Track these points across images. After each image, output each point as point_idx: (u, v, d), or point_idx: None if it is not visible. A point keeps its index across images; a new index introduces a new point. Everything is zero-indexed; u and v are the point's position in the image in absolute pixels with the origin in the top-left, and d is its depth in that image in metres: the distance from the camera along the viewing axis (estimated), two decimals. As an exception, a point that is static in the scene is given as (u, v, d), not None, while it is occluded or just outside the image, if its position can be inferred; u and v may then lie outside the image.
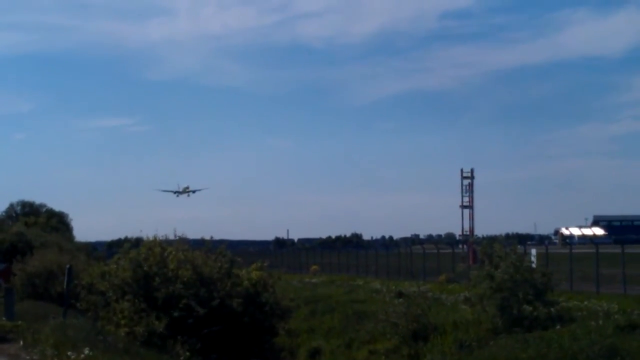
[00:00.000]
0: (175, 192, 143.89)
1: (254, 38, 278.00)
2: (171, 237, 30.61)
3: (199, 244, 31.92)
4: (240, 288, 28.48)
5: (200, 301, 26.54)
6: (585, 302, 32.08)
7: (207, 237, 33.00)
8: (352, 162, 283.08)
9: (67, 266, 27.12)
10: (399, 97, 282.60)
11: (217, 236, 39.53)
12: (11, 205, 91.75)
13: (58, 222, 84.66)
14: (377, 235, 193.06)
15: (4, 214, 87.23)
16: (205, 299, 26.75)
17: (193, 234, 33.55)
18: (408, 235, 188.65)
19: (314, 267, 71.56)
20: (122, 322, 25.83)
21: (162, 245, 28.93)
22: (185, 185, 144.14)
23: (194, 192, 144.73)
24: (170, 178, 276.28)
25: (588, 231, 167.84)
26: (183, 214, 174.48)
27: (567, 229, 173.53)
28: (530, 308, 28.68)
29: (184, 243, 30.08)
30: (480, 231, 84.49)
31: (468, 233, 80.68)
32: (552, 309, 28.99)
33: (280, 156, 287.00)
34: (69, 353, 16.80)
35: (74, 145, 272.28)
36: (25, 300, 33.28)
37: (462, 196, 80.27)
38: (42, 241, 52.10)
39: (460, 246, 77.33)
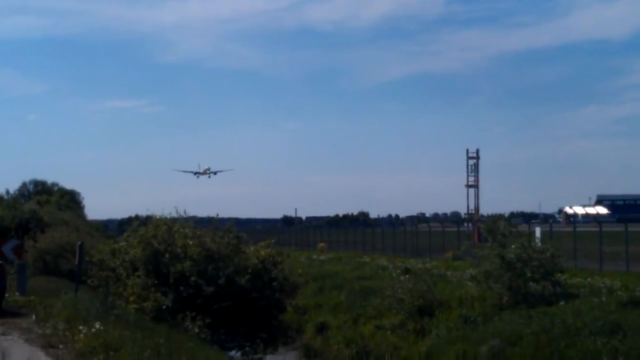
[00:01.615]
0: (195, 173, 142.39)
1: (264, 22, 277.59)
2: (178, 215, 30.61)
3: (207, 222, 31.97)
4: (249, 263, 28.51)
5: (208, 278, 26.58)
6: (589, 279, 32.14)
7: (218, 216, 32.99)
8: (360, 143, 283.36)
9: (79, 243, 27.10)
10: (406, 79, 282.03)
11: (226, 215, 39.68)
12: (24, 184, 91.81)
13: (70, 201, 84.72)
14: (383, 213, 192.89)
15: (17, 192, 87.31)
16: (213, 276, 26.79)
17: (202, 213, 33.68)
18: (414, 213, 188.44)
19: (322, 244, 71.60)
20: (132, 298, 25.94)
21: (169, 223, 28.98)
22: (206, 167, 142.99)
23: (215, 173, 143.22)
24: (181, 158, 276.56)
25: (592, 210, 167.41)
26: (194, 193, 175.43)
27: (571, 207, 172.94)
28: (538, 287, 28.69)
29: (189, 221, 30.15)
30: (486, 210, 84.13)
31: (473, 212, 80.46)
32: (558, 288, 29.03)
33: (290, 137, 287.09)
34: (80, 327, 16.87)
35: (86, 126, 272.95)
36: (37, 276, 33.38)
37: (468, 176, 79.82)
38: (54, 219, 52.17)
39: (466, 224, 77.13)
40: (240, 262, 28.34)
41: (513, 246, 30.21)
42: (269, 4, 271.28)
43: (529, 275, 29.03)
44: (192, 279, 26.28)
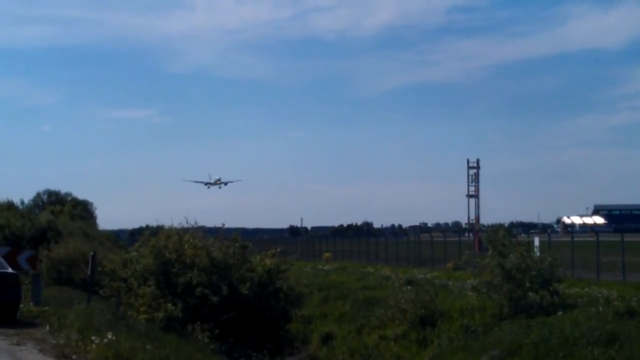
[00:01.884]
0: (206, 184, 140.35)
1: (269, 31, 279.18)
2: (187, 225, 30.55)
3: (215, 232, 31.92)
4: (254, 274, 28.44)
5: (214, 288, 26.53)
6: (586, 289, 32.04)
7: (224, 226, 32.91)
8: (364, 152, 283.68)
9: (92, 253, 27.11)
10: (407, 89, 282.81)
11: (234, 225, 39.60)
12: (38, 194, 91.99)
13: (82, 211, 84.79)
14: (387, 223, 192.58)
15: (31, 202, 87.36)
16: (219, 286, 26.74)
17: (211, 222, 33.67)
18: (416, 223, 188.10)
19: (327, 254, 71.46)
20: (142, 308, 25.91)
21: (179, 233, 28.95)
22: (217, 177, 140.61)
23: (225, 184, 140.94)
24: (190, 167, 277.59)
25: (589, 220, 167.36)
26: (203, 203, 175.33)
27: (568, 217, 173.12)
28: (537, 296, 28.68)
29: (198, 231, 30.10)
30: (486, 220, 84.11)
31: (474, 221, 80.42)
32: (556, 298, 29.00)
33: (295, 146, 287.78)
34: (92, 337, 16.89)
35: (98, 135, 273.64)
36: (51, 286, 33.38)
37: (468, 186, 79.79)
38: (69, 229, 52.20)
39: (467, 234, 76.99)
40: (245, 272, 28.29)
41: (512, 255, 30.17)
42: (274, 14, 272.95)
43: (528, 285, 28.99)
44: (198, 289, 26.24)
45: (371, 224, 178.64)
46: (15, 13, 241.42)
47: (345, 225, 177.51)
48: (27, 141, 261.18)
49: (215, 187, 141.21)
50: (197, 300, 26.12)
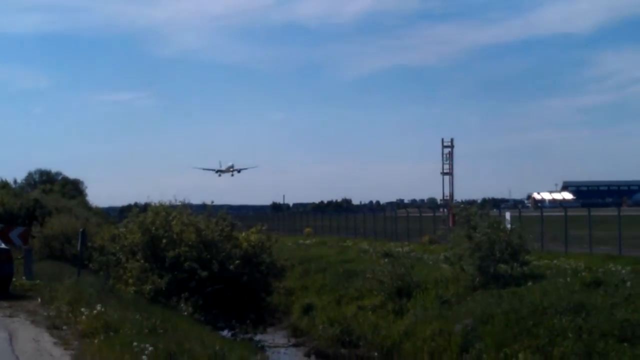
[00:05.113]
0: (217, 171, 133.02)
1: (253, 18, 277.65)
2: (175, 202, 30.43)
3: (201, 209, 31.83)
4: (240, 249, 28.41)
5: (202, 263, 26.51)
6: (555, 261, 32.21)
7: (209, 203, 32.77)
8: (343, 133, 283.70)
9: (81, 229, 27.09)
10: (385, 72, 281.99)
11: (219, 201, 39.49)
12: (30, 174, 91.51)
13: (72, 189, 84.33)
14: (365, 200, 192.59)
15: (23, 181, 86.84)
16: (207, 261, 26.72)
17: (196, 199, 33.52)
18: (393, 199, 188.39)
19: (308, 229, 71.52)
20: (131, 281, 25.91)
21: (167, 210, 28.87)
22: (230, 164, 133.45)
23: (238, 171, 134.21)
24: (179, 147, 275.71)
25: (558, 196, 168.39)
26: (187, 181, 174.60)
27: (538, 193, 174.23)
28: (507, 267, 28.81)
29: (186, 208, 30.03)
30: (460, 196, 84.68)
31: (448, 198, 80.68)
32: (525, 268, 29.14)
33: (277, 127, 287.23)
34: (82, 309, 16.92)
35: (88, 117, 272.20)
36: (42, 260, 33.24)
37: (443, 164, 79.98)
38: (58, 206, 51.88)
39: (441, 210, 77.29)
40: (232, 248, 28.25)
41: (480, 227, 30.18)
42: (258, 1, 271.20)
43: (498, 255, 29.10)
44: (187, 263, 26.21)
45: (350, 200, 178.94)
46: (7, 2, 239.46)
47: (325, 201, 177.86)
48: (19, 123, 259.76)
49: (227, 175, 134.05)
50: (184, 274, 26.09)
